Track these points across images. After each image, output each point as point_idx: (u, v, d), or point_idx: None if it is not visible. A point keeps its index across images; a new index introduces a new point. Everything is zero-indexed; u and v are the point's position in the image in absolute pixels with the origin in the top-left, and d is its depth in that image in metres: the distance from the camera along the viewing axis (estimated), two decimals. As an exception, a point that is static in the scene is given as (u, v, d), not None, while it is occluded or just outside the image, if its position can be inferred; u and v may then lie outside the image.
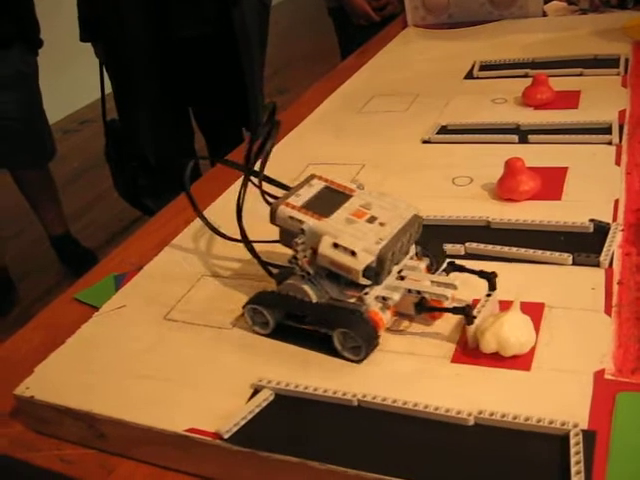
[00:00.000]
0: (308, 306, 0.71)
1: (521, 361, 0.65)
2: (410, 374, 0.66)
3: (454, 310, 0.68)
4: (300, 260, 0.69)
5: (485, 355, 0.65)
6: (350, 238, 0.67)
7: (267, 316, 0.73)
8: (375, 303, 0.69)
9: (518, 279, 0.77)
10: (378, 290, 0.69)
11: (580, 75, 1.33)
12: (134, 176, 2.35)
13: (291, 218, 0.70)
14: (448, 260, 0.77)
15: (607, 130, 1.07)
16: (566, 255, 0.78)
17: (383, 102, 1.37)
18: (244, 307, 0.75)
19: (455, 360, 0.67)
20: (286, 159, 1.18)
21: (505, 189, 0.93)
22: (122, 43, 2.10)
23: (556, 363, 0.64)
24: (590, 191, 0.92)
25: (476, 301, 0.71)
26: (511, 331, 0.64)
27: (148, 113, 2.22)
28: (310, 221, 0.69)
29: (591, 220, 0.84)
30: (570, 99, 1.22)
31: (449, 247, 0.83)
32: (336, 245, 0.67)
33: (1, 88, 2.38)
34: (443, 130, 1.18)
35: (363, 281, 0.67)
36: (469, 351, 0.67)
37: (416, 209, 0.74)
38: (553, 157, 1.03)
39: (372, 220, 0.70)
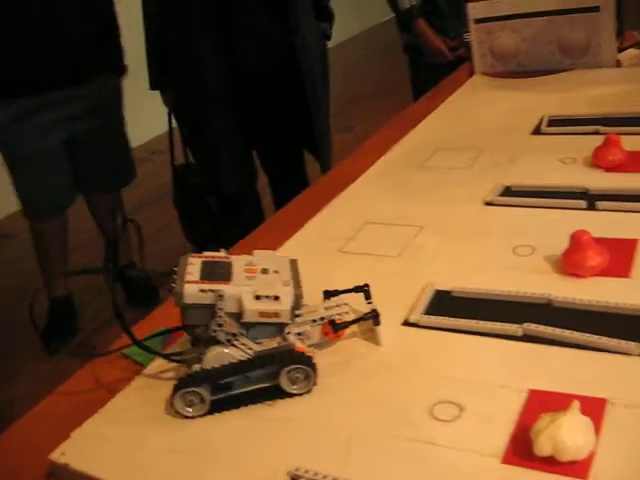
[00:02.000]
0: (248, 365, 0.74)
1: (578, 467, 0.60)
2: (459, 477, 0.62)
3: (364, 318, 0.81)
4: (224, 325, 0.74)
5: (539, 458, 0.61)
6: (264, 288, 0.75)
7: (204, 394, 0.73)
8: (295, 339, 0.77)
9: (579, 368, 0.72)
10: (293, 328, 0.77)
11: (656, 133, 1.27)
12: (199, 223, 2.45)
13: (202, 291, 0.74)
14: (323, 290, 0.85)
15: (682, 198, 1.02)
16: (633, 344, 0.73)
17: (446, 157, 1.34)
18: (175, 395, 0.73)
19: (506, 461, 0.62)
20: (343, 216, 1.16)
21: (570, 264, 0.88)
22: (194, 83, 2.15)
23: (618, 471, 0.59)
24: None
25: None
26: (568, 434, 0.60)
27: (218, 151, 2.27)
28: (222, 287, 0.74)
29: (661, 302, 0.79)
30: (644, 162, 1.16)
31: (506, 327, 0.79)
32: (258, 297, 0.74)
33: (94, 114, 2.45)
34: (507, 192, 1.14)
35: (289, 320, 0.76)
36: (522, 451, 0.63)
37: (287, 257, 0.83)
38: (622, 226, 0.98)
39: (265, 272, 0.78)
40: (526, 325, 0.79)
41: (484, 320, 0.81)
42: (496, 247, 0.98)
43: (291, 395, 0.75)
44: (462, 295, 0.88)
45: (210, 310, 0.74)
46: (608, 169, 1.16)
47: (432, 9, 2.53)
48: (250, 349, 0.75)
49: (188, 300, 0.74)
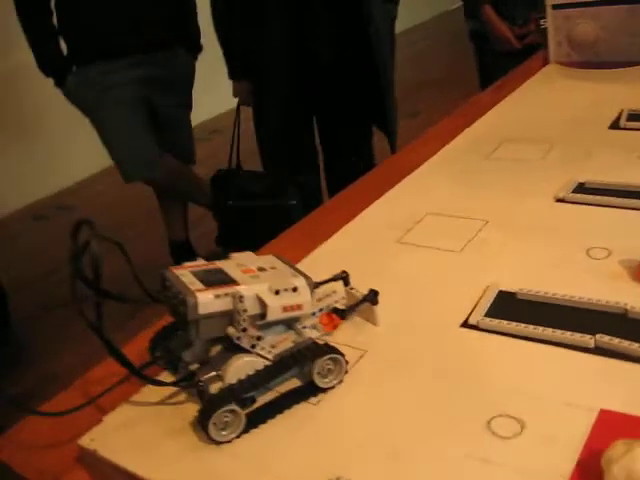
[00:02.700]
0: (277, 369, 0.69)
1: (656, 505, 0.53)
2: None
3: (365, 299, 0.79)
4: (249, 328, 0.67)
5: (611, 490, 0.54)
6: (278, 282, 0.69)
7: (238, 411, 0.66)
8: (311, 332, 0.73)
9: (658, 390, 0.65)
10: (305, 321, 0.72)
11: None
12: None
13: (217, 297, 0.67)
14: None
15: None
16: None
17: (516, 148, 1.26)
18: (207, 421, 0.64)
19: (573, 490, 0.56)
20: (404, 204, 1.10)
21: (650, 271, 0.80)
22: (268, 75, 2.17)
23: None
24: None
25: None
26: (647, 466, 0.52)
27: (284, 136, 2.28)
28: (237, 289, 0.67)
29: None
30: None
31: (577, 337, 0.72)
32: (277, 292, 0.69)
33: (163, 86, 2.47)
34: (581, 188, 1.06)
35: (312, 309, 0.72)
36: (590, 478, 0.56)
37: (269, 255, 0.78)
38: None
39: (263, 269, 0.73)
40: (599, 336, 0.72)
41: (552, 328, 0.74)
42: (568, 247, 0.90)
43: (324, 390, 0.71)
44: (528, 298, 0.81)
45: (226, 318, 0.67)
46: (693, 171, 1.07)
47: None
48: (270, 352, 0.69)
49: (204, 310, 0.66)
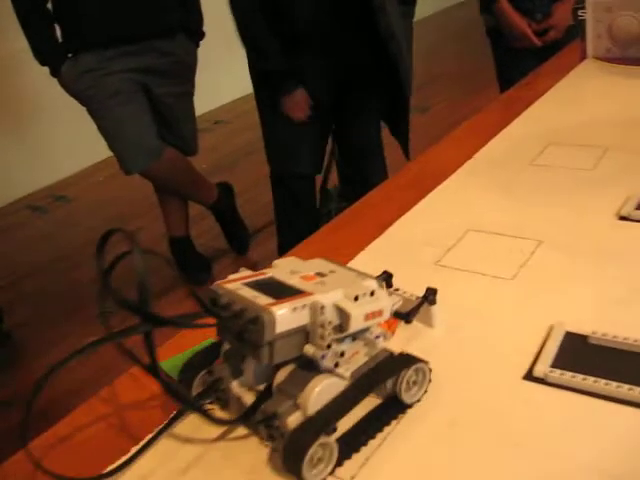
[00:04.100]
0: (364, 388, 0.59)
1: None
2: None
3: (425, 300, 0.71)
4: (332, 343, 0.56)
5: None
6: (352, 288, 0.58)
7: (331, 444, 0.55)
8: (382, 341, 0.62)
9: None
10: (374, 329, 0.61)
11: None
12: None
13: (295, 309, 0.55)
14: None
15: None
16: None
17: (562, 154, 1.12)
18: (301, 460, 0.53)
19: None
20: (439, 218, 0.96)
21: None
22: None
23: None
24: None
25: None
26: None
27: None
28: (312, 298, 0.56)
29: None
30: None
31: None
32: (356, 298, 0.58)
33: (162, 75, 2.35)
34: (646, 204, 0.91)
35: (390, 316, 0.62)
36: None
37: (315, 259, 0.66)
38: None
39: (322, 275, 0.62)
40: (700, 399, 0.58)
41: (633, 384, 0.60)
42: (639, 274, 0.76)
43: (411, 405, 0.62)
44: (603, 344, 0.67)
45: (300, 335, 0.56)
46: None
47: None
48: (347, 369, 0.58)
49: (283, 327, 0.55)
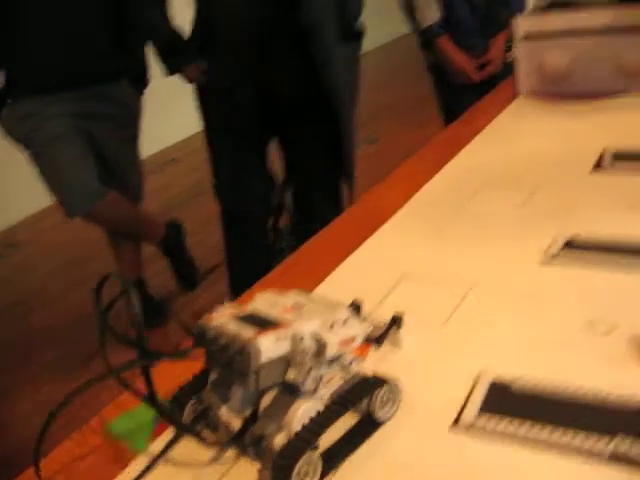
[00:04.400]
0: (341, 409, 0.64)
1: None
2: None
3: (393, 323, 0.76)
4: (311, 368, 0.63)
5: None
6: (327, 316, 0.65)
7: (316, 458, 0.61)
8: (356, 365, 0.68)
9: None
10: (348, 355, 0.67)
11: None
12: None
13: (277, 340, 0.61)
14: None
15: None
16: None
17: (494, 195, 1.15)
18: (290, 476, 0.59)
19: None
20: (376, 266, 0.98)
21: (665, 355, 0.69)
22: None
23: None
24: None
25: None
26: None
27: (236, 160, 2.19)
28: (292, 329, 0.62)
29: None
30: None
31: (590, 441, 0.61)
32: (332, 326, 0.64)
33: (107, 118, 2.36)
34: (570, 246, 0.95)
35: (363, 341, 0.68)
36: None
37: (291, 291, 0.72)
38: None
39: (300, 306, 0.67)
40: (617, 440, 0.61)
41: (559, 430, 0.63)
42: (566, 321, 0.79)
43: (382, 423, 0.68)
44: (526, 391, 0.69)
45: (283, 363, 0.62)
46: (691, 220, 0.97)
47: (455, 24, 2.35)
48: (325, 393, 0.65)
49: (266, 356, 0.60)
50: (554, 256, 0.93)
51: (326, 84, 2.02)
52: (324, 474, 0.62)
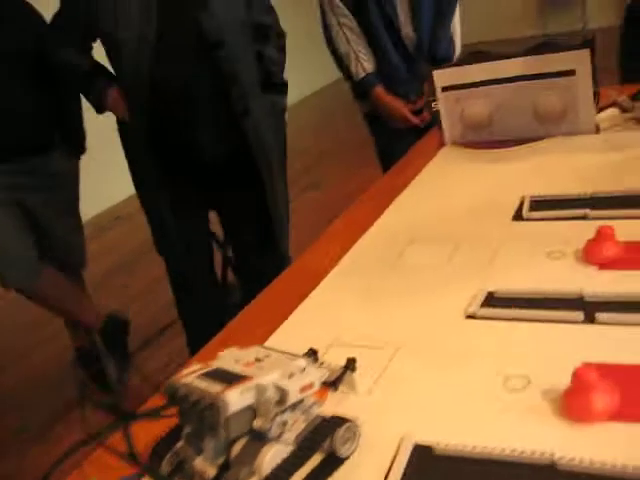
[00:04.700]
0: (307, 451, 0.71)
1: None
2: None
3: (348, 368, 0.84)
4: (275, 416, 0.69)
5: None
6: (285, 368, 0.72)
7: None
8: (316, 408, 0.76)
9: None
10: (308, 400, 0.74)
11: (650, 216, 1.14)
12: None
13: (242, 393, 0.68)
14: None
15: (694, 306, 0.88)
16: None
17: (421, 251, 1.20)
18: None
19: None
20: (307, 330, 1.02)
21: (574, 408, 0.74)
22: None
23: None
24: (683, 410, 0.72)
25: None
26: None
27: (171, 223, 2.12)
28: (254, 382, 0.69)
29: (691, 465, 0.64)
30: (641, 255, 1.03)
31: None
32: (291, 375, 0.72)
33: (37, 189, 2.31)
34: (490, 300, 0.99)
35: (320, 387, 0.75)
36: None
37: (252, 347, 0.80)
38: (628, 345, 0.84)
39: (259, 360, 0.75)
40: (529, 500, 0.64)
41: (477, 493, 0.66)
42: (484, 377, 0.83)
43: (345, 459, 0.75)
44: (447, 454, 0.73)
45: (249, 413, 0.69)
46: (602, 266, 1.02)
47: (388, 74, 2.41)
48: (290, 436, 0.72)
49: (234, 407, 0.67)
50: (474, 312, 0.97)
51: (247, 134, 1.98)
52: None
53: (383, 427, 0.79)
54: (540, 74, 1.60)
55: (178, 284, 2.34)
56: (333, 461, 0.74)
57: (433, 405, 0.81)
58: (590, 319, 0.90)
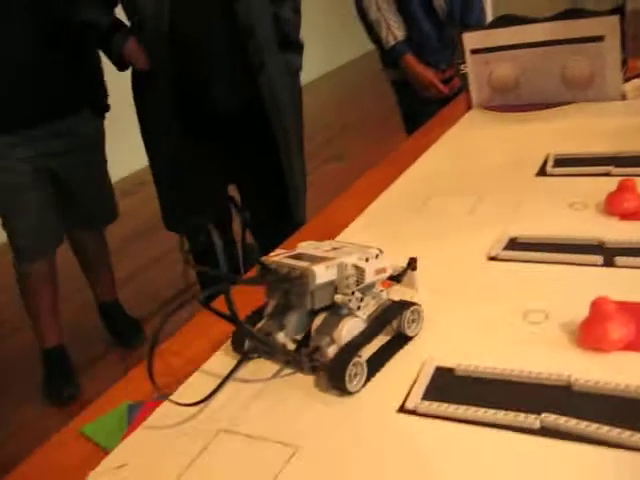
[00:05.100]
0: (381, 324, 0.82)
1: None
2: None
3: (408, 267, 0.92)
4: (353, 291, 0.79)
5: None
6: (361, 253, 0.82)
7: (363, 362, 0.77)
8: (385, 293, 0.86)
9: (604, 471, 0.60)
10: (378, 286, 0.85)
11: (672, 174, 1.16)
12: None
13: (327, 267, 0.78)
14: None
15: None
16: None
17: (445, 201, 1.22)
18: (344, 375, 0.74)
19: None
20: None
21: (591, 337, 0.76)
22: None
23: None
24: (697, 342, 0.75)
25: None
26: None
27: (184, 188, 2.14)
28: (339, 260, 0.80)
29: (702, 389, 0.67)
30: (662, 208, 1.05)
31: (520, 417, 0.67)
32: (367, 259, 0.81)
33: (69, 151, 2.33)
34: (512, 244, 1.02)
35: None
36: None
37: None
38: (646, 286, 0.87)
39: (336, 248, 0.85)
40: (544, 416, 0.67)
41: (495, 408, 0.69)
42: (505, 312, 0.86)
43: (411, 338, 0.84)
44: (467, 374, 0.76)
45: (331, 287, 0.79)
46: (623, 217, 1.05)
47: (418, 42, 2.41)
48: (365, 313, 0.81)
49: (320, 279, 0.77)
50: (496, 254, 1.00)
51: (262, 88, 2.00)
52: (369, 377, 0.77)
53: (407, 353, 0.82)
54: (568, 39, 1.61)
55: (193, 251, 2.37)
56: (401, 339, 0.83)
57: (455, 334, 0.84)
58: (609, 263, 0.93)
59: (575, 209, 1.10)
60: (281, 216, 2.24)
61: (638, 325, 0.78)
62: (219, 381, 0.80)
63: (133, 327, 2.80)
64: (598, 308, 0.76)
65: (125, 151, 4.13)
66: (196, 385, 0.83)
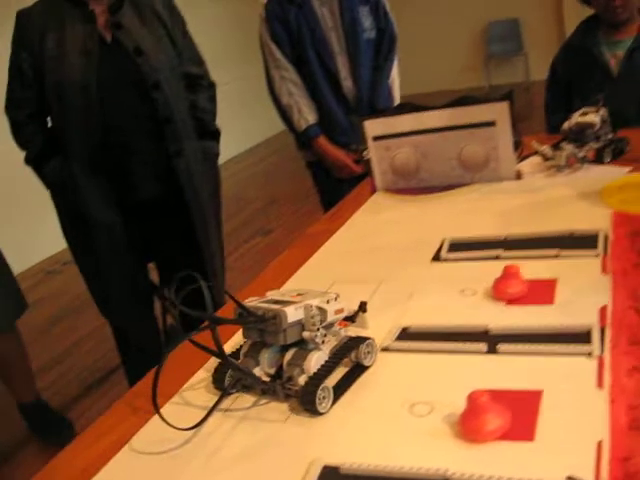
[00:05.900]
0: (340, 356, 0.95)
1: None
2: None
3: (359, 310, 1.06)
4: (318, 328, 0.94)
5: None
6: (323, 296, 0.98)
7: (329, 387, 0.91)
8: (343, 331, 1.02)
9: None
10: (336, 326, 1.00)
11: (556, 257, 1.23)
12: None
13: (296, 309, 0.93)
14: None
15: (586, 337, 0.96)
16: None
17: (346, 289, 1.24)
18: (314, 398, 0.88)
19: None
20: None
21: (468, 429, 0.80)
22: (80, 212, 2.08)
23: None
24: (569, 430, 0.79)
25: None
26: None
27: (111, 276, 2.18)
28: (305, 302, 0.95)
29: (569, 478, 0.71)
30: (545, 292, 1.11)
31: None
32: (328, 301, 0.97)
33: None
34: (404, 334, 1.06)
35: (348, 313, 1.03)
36: None
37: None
38: (526, 373, 0.91)
39: (301, 294, 1.00)
40: (422, 513, 0.70)
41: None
42: (393, 405, 0.89)
43: (368, 367, 0.98)
44: (353, 473, 0.78)
45: (299, 326, 0.93)
46: (509, 302, 1.10)
47: (329, 125, 2.50)
48: (327, 348, 0.96)
49: (290, 319, 0.92)
50: (389, 345, 1.03)
51: (180, 175, 2.08)
52: (335, 400, 0.91)
53: (295, 452, 0.84)
54: (463, 125, 1.69)
55: (119, 336, 2.38)
56: (358, 368, 0.97)
57: (344, 430, 0.86)
58: (492, 350, 0.97)
59: (465, 295, 1.15)
60: (200, 297, 2.25)
61: (515, 413, 0.81)
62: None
63: (60, 425, 2.66)
64: (473, 401, 0.80)
65: (47, 232, 4.09)
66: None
